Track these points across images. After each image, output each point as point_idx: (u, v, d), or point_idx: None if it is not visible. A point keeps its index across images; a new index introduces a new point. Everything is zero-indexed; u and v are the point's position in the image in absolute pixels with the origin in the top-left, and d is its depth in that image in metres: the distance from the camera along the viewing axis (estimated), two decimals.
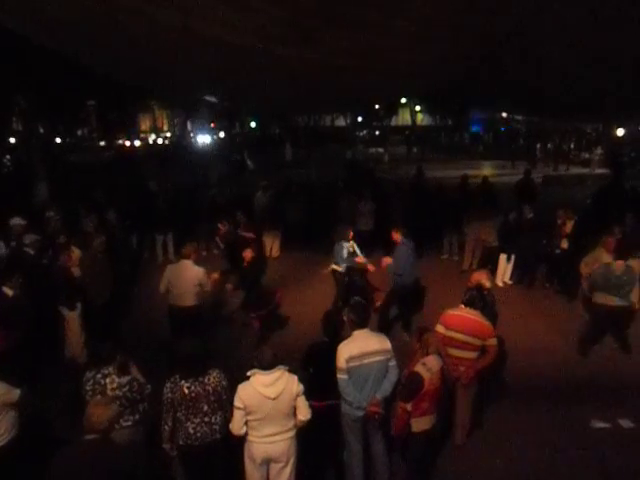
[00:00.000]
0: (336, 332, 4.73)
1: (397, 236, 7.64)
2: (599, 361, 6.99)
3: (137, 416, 4.27)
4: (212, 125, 51.57)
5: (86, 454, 3.29)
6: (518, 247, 9.64)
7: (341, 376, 4.31)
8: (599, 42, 9.71)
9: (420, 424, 4.43)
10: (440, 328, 5.11)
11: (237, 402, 3.87)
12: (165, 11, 7.50)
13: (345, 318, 4.64)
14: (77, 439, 3.39)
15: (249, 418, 3.90)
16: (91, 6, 7.23)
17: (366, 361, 4.32)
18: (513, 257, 9.86)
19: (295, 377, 4.00)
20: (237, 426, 3.92)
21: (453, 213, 11.11)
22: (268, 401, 3.84)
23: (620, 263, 6.88)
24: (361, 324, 4.49)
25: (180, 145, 43.46)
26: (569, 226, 9.41)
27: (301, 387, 3.99)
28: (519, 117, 37.29)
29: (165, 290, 6.73)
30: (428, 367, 4.41)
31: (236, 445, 4.07)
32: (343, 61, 9.68)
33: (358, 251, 8.26)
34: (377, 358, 4.37)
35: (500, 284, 9.78)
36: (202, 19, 7.79)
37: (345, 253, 8.17)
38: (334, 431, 4.57)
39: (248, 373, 3.94)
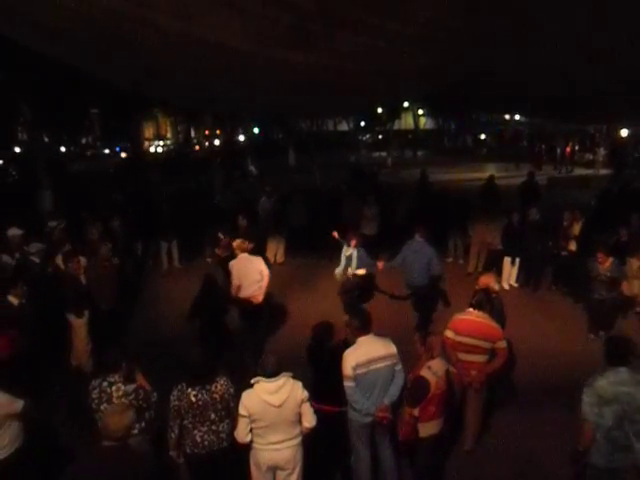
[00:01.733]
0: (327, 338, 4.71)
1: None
2: None
3: (143, 424, 4.25)
4: (206, 132, 52.32)
5: (105, 461, 3.33)
6: (523, 249, 9.59)
7: (348, 384, 4.27)
8: (600, 41, 9.69)
9: (427, 429, 4.40)
10: (450, 333, 5.08)
11: (241, 410, 3.85)
12: (166, 17, 7.53)
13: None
14: (95, 445, 3.42)
15: (254, 426, 3.88)
16: (92, 14, 7.26)
17: (373, 367, 4.29)
18: (518, 260, 9.80)
19: (299, 383, 3.98)
20: (242, 434, 3.90)
21: (458, 216, 11.06)
22: (272, 409, 3.82)
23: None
24: (365, 330, 4.46)
25: (183, 152, 43.54)
26: (577, 227, 9.35)
27: (306, 394, 3.96)
28: (522, 119, 37.27)
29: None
30: (434, 371, 4.38)
31: (243, 453, 4.05)
32: (344, 64, 9.69)
33: (355, 260, 8.09)
34: (384, 363, 4.34)
35: (506, 287, 9.73)
36: (202, 24, 7.81)
37: (343, 258, 8.16)
38: (341, 437, 4.54)
39: (252, 381, 3.92)
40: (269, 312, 8.30)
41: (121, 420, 3.40)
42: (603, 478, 3.88)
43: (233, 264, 6.96)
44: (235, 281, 6.83)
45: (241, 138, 51.50)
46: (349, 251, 8.09)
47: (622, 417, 3.75)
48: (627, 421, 3.75)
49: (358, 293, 8.06)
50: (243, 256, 6.99)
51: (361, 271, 8.02)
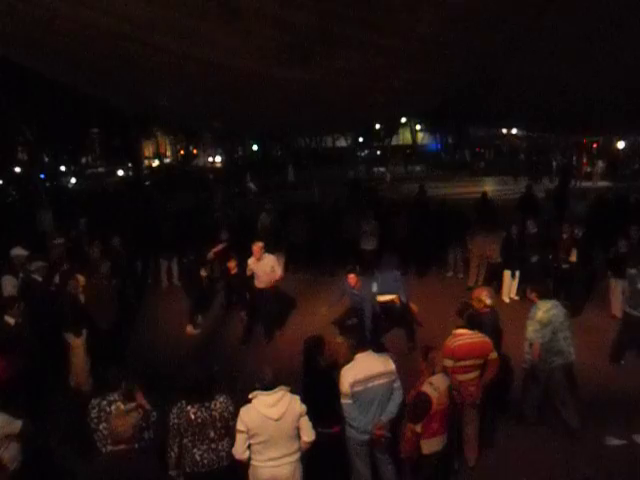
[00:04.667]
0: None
1: None
2: (611, 376, 6.90)
3: (142, 443, 4.21)
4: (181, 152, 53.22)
5: (116, 463, 3.36)
6: (522, 262, 9.58)
7: (346, 401, 4.25)
8: (597, 55, 9.78)
9: (430, 446, 4.35)
10: (449, 362, 4.90)
11: (240, 425, 3.83)
12: (164, 37, 7.62)
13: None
14: (105, 450, 3.43)
15: (252, 442, 3.85)
16: (91, 35, 7.35)
17: (371, 384, 4.27)
18: (517, 273, 9.79)
19: (297, 397, 3.97)
20: (240, 450, 3.87)
21: (456, 230, 11.08)
22: (271, 422, 3.80)
23: None
24: (361, 347, 4.43)
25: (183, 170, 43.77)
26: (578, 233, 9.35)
27: (304, 407, 3.95)
28: (519, 133, 37.55)
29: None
30: (435, 386, 4.34)
31: (243, 472, 4.01)
32: (342, 81, 9.77)
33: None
34: (382, 381, 4.31)
35: (506, 300, 9.71)
36: (201, 43, 7.89)
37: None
38: (341, 455, 4.49)
39: (250, 395, 3.91)
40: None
41: (127, 420, 3.46)
42: (542, 377, 5.67)
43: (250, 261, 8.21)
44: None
45: (218, 159, 51.62)
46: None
47: (554, 332, 5.60)
48: (558, 332, 5.60)
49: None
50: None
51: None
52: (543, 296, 5.81)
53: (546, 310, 5.62)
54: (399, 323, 8.00)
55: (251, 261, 8.22)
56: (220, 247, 9.30)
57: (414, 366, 4.85)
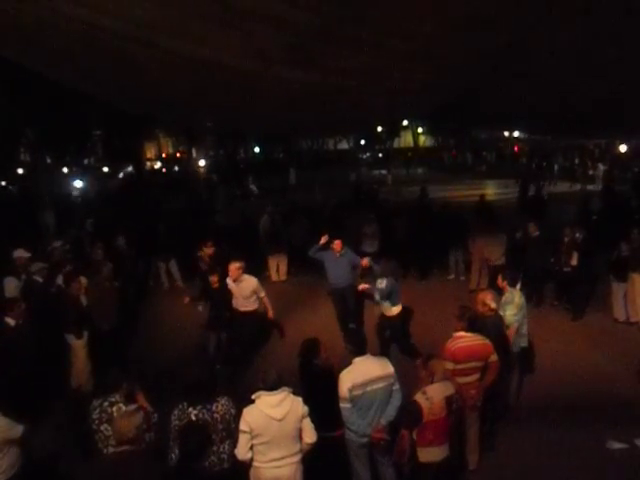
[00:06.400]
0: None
1: None
2: (613, 380, 6.87)
3: (143, 445, 4.20)
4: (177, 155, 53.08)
5: (119, 465, 3.40)
6: (524, 265, 9.55)
7: (344, 405, 4.25)
8: (599, 57, 9.77)
9: (427, 455, 4.27)
10: (450, 365, 4.83)
11: (243, 426, 3.83)
12: (166, 37, 7.64)
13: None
14: (105, 454, 3.45)
15: (255, 442, 3.85)
16: (94, 36, 7.38)
17: (369, 388, 4.26)
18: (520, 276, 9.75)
19: (300, 399, 3.98)
20: (242, 450, 3.87)
21: (458, 232, 11.07)
22: (274, 422, 3.80)
23: None
24: (360, 351, 4.43)
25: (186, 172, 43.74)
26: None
27: (306, 409, 3.96)
28: (521, 136, 37.52)
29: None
30: (428, 396, 4.22)
31: (244, 475, 4.00)
32: (344, 82, 9.78)
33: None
34: (380, 384, 4.31)
35: None
36: (203, 44, 7.91)
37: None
38: (342, 458, 4.48)
39: (253, 396, 3.92)
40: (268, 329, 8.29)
41: (131, 421, 3.48)
42: (515, 359, 6.00)
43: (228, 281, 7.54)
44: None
45: (201, 163, 50.64)
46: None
47: (524, 315, 6.07)
48: (525, 317, 6.10)
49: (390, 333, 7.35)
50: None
51: (395, 309, 7.28)
52: (514, 283, 6.29)
53: (519, 296, 6.09)
54: (398, 339, 7.49)
55: (230, 280, 7.51)
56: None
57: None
